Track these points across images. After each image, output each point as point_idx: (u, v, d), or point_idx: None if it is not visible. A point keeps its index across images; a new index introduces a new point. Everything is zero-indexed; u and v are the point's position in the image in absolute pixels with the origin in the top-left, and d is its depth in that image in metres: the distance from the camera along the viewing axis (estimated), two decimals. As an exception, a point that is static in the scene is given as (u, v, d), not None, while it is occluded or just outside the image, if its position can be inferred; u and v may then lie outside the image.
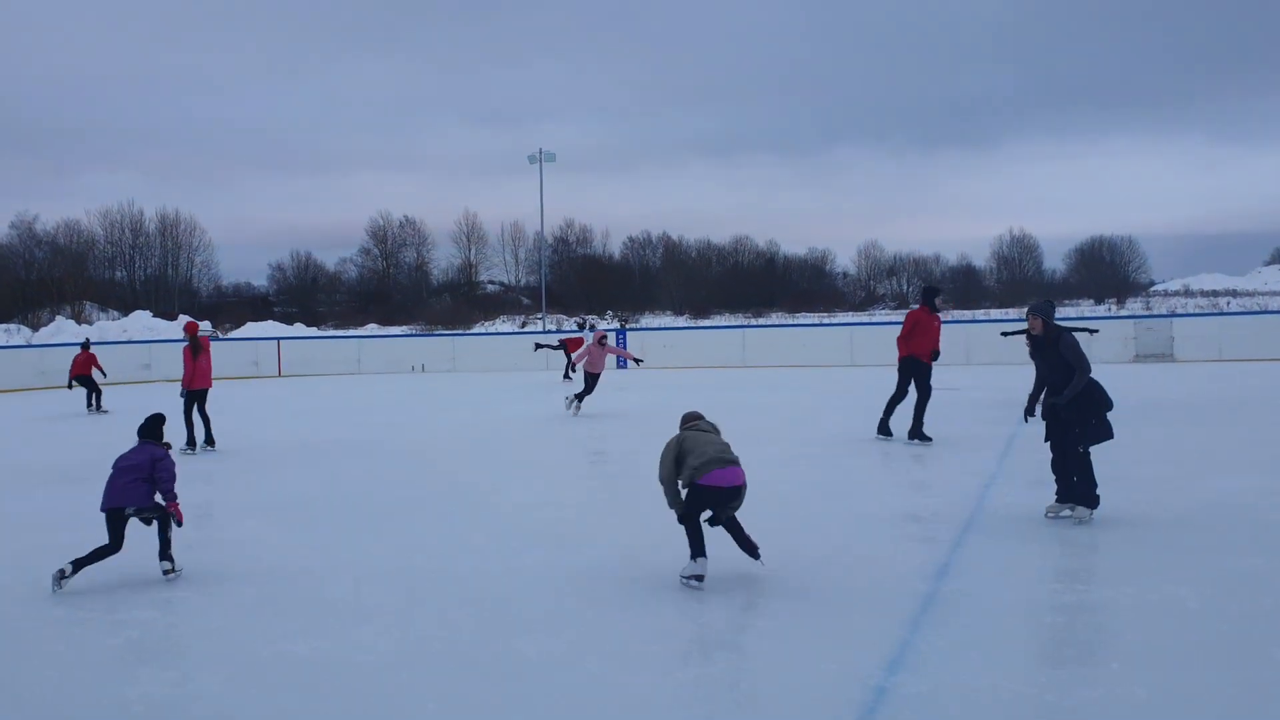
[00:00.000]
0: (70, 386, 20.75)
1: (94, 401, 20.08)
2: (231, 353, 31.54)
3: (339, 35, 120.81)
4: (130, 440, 7.18)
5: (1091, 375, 7.66)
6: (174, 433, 8.81)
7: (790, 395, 19.25)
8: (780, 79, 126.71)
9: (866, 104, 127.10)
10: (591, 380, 16.58)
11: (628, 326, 39.24)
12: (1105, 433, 7.69)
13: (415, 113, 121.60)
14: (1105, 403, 7.70)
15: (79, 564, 6.49)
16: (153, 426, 7.10)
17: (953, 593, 6.00)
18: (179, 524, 6.76)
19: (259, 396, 22.92)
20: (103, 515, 6.71)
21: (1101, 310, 74.23)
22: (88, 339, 23.99)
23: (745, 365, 28.01)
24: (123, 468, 6.80)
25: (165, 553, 6.77)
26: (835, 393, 19.51)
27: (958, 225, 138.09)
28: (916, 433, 12.00)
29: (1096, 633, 5.38)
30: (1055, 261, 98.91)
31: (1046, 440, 7.87)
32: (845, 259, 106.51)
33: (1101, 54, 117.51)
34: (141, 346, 31.88)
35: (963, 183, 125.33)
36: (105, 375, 21.14)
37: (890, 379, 12.56)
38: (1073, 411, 7.65)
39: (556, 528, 8.10)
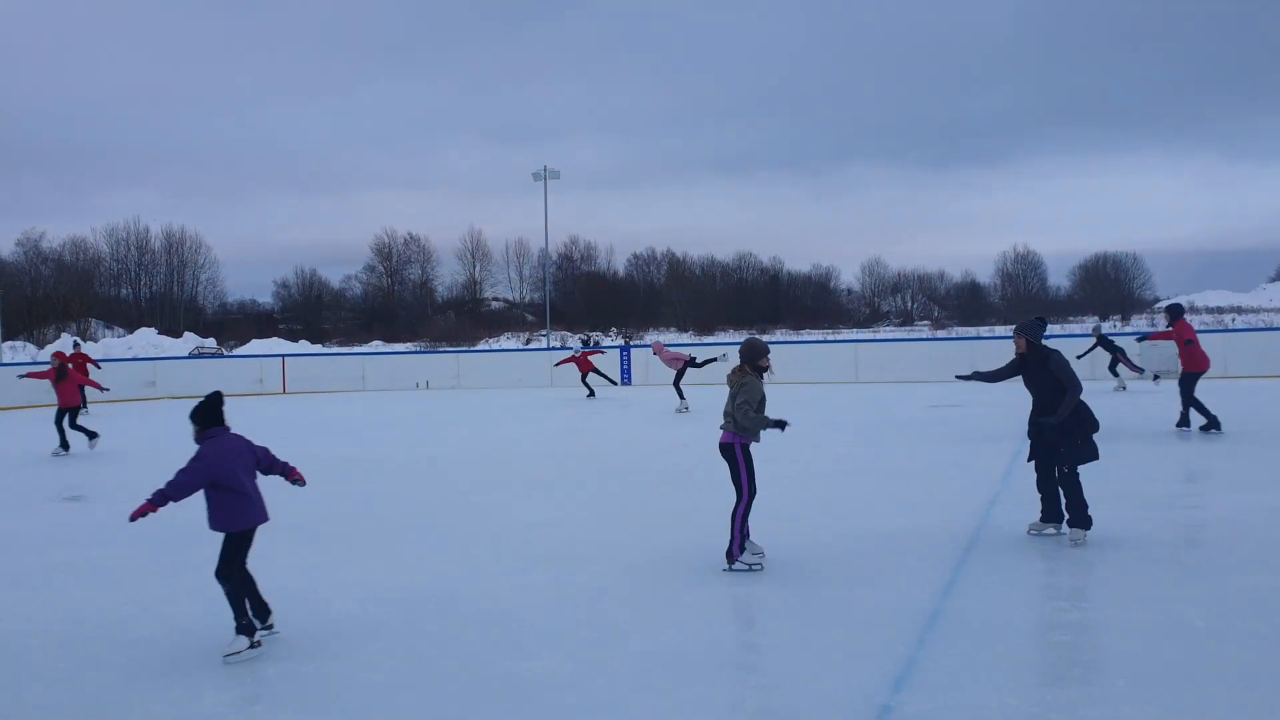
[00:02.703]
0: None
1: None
2: (236, 370, 31.61)
3: (362, 56, 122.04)
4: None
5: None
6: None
7: (794, 413, 19.20)
8: (795, 97, 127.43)
9: (880, 122, 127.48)
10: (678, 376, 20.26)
11: (631, 343, 39.24)
12: (1091, 453, 7.56)
13: (430, 131, 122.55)
14: (1091, 423, 7.59)
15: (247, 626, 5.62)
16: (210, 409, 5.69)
17: (957, 611, 5.98)
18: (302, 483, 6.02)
19: (263, 414, 22.95)
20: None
21: (1106, 327, 74.14)
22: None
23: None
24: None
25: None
26: (840, 410, 19.49)
27: (962, 242, 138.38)
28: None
29: (1102, 652, 5.36)
30: (1060, 278, 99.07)
31: (1030, 460, 7.80)
32: (849, 276, 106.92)
33: (1115, 73, 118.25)
34: (146, 364, 31.96)
35: (970, 200, 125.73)
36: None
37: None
38: (1058, 432, 7.54)
39: (562, 546, 8.10)
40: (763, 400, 7.05)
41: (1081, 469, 7.56)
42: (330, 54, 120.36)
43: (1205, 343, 12.79)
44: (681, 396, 20.02)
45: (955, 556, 7.30)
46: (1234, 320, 69.38)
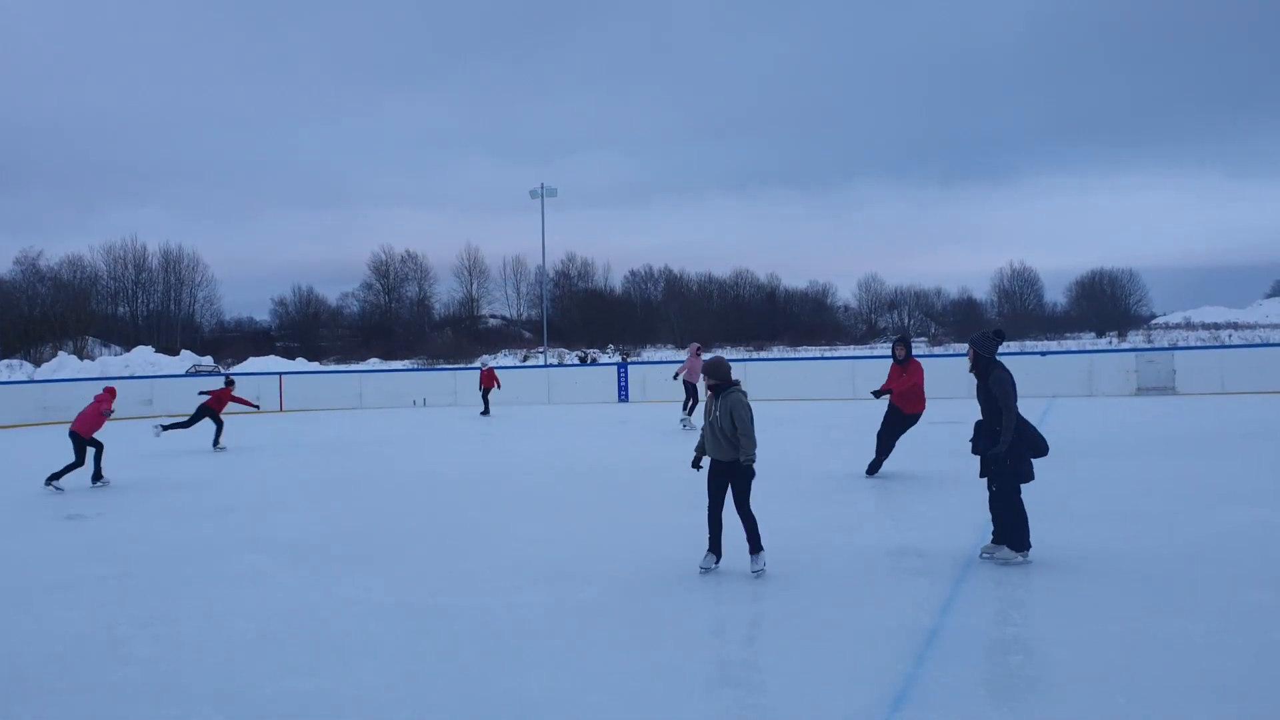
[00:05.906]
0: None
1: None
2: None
3: (369, 77, 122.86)
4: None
5: (1021, 415, 7.39)
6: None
7: (793, 429, 19.22)
8: (797, 116, 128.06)
9: (881, 140, 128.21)
10: (692, 389, 20.07)
11: (629, 360, 39.27)
12: (1019, 474, 7.34)
13: (434, 150, 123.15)
14: (1029, 445, 7.37)
15: None
16: None
17: (957, 628, 5.97)
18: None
19: (260, 432, 22.90)
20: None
21: (1103, 343, 74.29)
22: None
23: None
24: None
25: None
26: (838, 426, 19.49)
27: (959, 258, 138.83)
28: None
29: (1103, 668, 5.34)
30: (1057, 294, 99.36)
31: (982, 476, 7.68)
32: (846, 292, 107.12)
33: (1117, 92, 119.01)
34: (143, 382, 31.92)
35: (968, 216, 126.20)
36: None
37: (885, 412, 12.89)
38: (980, 448, 7.41)
39: (561, 564, 8.08)
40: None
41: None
42: (338, 75, 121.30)
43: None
44: (687, 411, 20.25)
45: (954, 574, 7.29)
46: (1230, 336, 69.55)
